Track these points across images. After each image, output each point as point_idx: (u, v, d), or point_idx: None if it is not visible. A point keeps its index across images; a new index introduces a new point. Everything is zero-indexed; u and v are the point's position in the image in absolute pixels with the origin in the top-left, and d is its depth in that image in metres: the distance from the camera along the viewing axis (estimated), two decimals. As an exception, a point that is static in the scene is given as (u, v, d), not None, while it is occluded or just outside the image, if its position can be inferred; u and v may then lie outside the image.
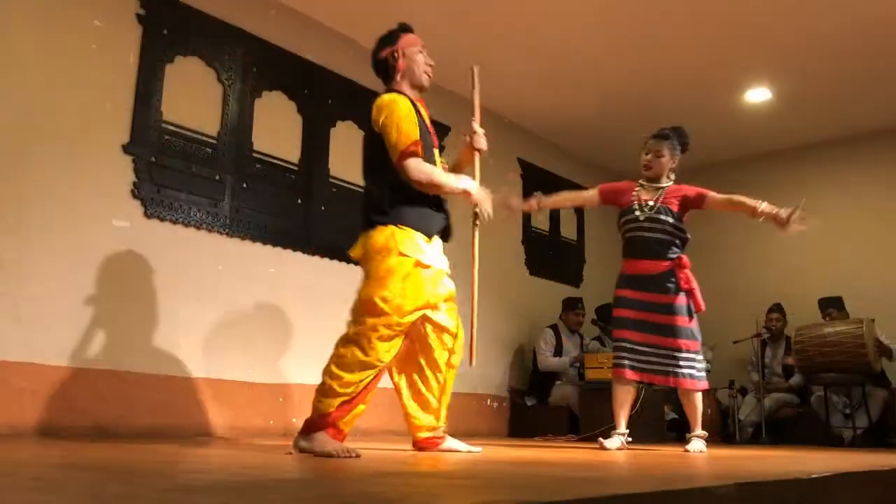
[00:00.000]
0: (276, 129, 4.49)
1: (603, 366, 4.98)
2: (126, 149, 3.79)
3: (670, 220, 3.57)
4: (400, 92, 2.82)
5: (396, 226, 2.69)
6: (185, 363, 3.88)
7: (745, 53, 5.19)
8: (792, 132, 6.51)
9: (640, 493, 1.31)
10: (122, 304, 3.67)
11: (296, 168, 4.58)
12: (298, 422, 4.27)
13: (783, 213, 3.28)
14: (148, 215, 3.82)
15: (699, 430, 3.59)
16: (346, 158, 4.81)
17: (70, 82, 3.62)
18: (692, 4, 4.58)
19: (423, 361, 2.89)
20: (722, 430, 5.88)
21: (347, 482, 1.57)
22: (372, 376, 2.64)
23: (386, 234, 2.68)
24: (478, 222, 2.93)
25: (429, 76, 2.92)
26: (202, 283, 3.99)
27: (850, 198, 6.48)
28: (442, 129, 4.99)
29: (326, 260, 4.63)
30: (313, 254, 4.58)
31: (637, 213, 3.61)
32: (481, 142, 3.00)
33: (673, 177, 3.72)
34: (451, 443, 2.93)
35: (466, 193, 2.82)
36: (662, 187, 3.66)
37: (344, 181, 4.80)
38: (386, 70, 2.89)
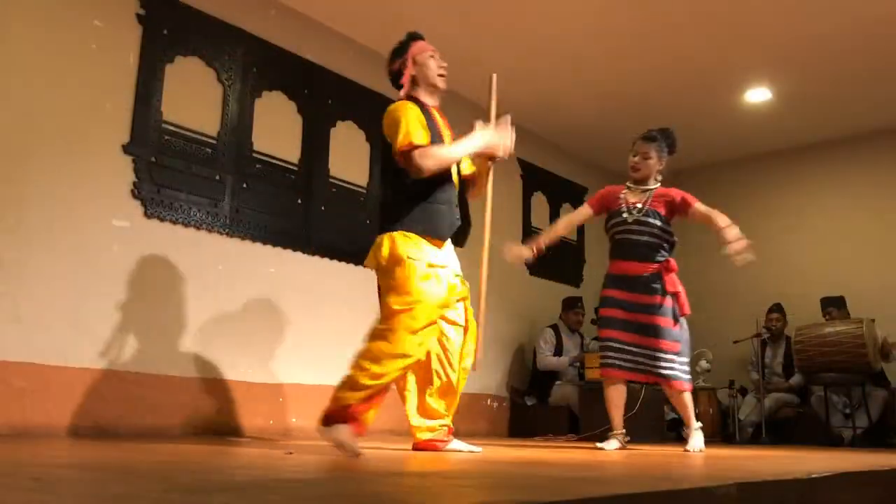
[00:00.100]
0: (276, 129, 4.49)
1: (603, 366, 4.97)
2: (126, 149, 3.79)
3: (658, 223, 3.58)
4: (416, 99, 2.85)
5: (402, 232, 2.72)
6: (185, 363, 3.88)
7: (745, 53, 5.19)
8: (792, 132, 6.51)
9: (640, 493, 1.31)
10: (122, 304, 3.67)
11: (296, 168, 4.58)
12: (298, 422, 4.30)
13: (734, 246, 3.29)
14: (148, 215, 3.83)
15: (695, 424, 3.58)
16: (346, 158, 4.81)
17: (70, 82, 3.62)
18: (692, 4, 4.58)
19: (435, 361, 2.88)
20: (722, 430, 5.89)
21: (348, 482, 1.57)
22: (400, 368, 2.62)
23: (391, 242, 2.71)
24: (491, 163, 2.98)
25: (443, 78, 2.95)
26: (202, 283, 3.99)
27: (850, 198, 6.48)
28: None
29: (326, 260, 4.63)
30: (313, 254, 4.58)
31: (625, 215, 3.62)
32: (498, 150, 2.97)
33: (660, 178, 3.72)
34: (454, 444, 2.93)
35: (484, 149, 2.87)
36: (650, 189, 3.66)
37: (344, 181, 4.80)
38: (400, 80, 2.92)
